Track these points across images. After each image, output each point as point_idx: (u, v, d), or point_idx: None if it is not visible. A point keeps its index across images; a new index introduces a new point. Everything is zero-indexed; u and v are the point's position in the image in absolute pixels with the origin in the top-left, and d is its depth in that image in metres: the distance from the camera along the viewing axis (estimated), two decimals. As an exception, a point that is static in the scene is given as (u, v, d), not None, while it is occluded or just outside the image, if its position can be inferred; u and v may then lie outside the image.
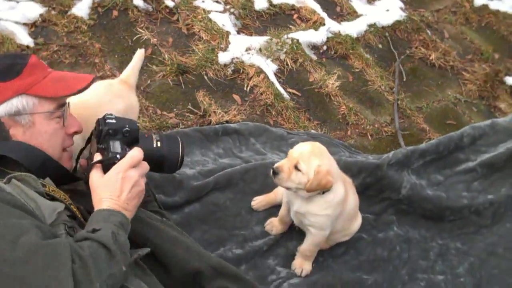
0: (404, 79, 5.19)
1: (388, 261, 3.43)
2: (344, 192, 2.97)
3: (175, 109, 3.95)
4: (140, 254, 2.04)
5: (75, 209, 2.06)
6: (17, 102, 2.04)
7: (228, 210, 3.33)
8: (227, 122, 3.95)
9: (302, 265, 3.17)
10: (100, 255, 1.73)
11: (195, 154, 3.58)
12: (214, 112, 3.98)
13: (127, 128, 2.17)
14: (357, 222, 3.30)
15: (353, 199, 3.13)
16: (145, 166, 2.11)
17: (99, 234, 1.79)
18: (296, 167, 2.78)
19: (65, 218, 1.95)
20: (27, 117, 2.06)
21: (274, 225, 3.29)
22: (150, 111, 3.86)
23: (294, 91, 4.52)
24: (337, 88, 4.68)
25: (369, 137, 4.45)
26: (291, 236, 3.32)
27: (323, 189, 2.83)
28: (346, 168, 3.43)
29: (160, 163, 2.30)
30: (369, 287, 3.26)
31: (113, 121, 2.18)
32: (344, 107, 4.56)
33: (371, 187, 3.61)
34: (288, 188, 2.89)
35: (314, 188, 2.78)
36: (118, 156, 2.07)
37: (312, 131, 4.18)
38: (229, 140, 3.77)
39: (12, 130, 2.06)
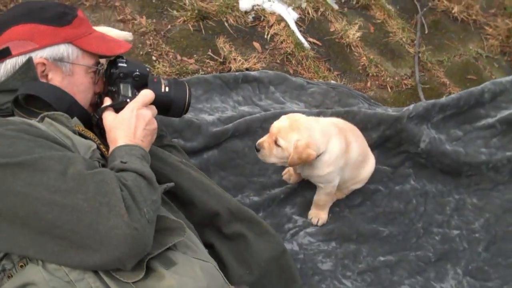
0: (426, 32, 5.12)
1: (404, 214, 3.44)
2: (340, 146, 2.96)
3: (195, 55, 3.92)
4: (166, 187, 2.07)
5: (104, 149, 2.08)
6: (64, 49, 2.11)
7: (247, 157, 3.33)
8: (247, 69, 3.92)
9: (318, 215, 3.19)
10: (140, 183, 1.78)
11: (214, 100, 3.57)
12: (234, 59, 3.95)
13: (137, 73, 2.23)
14: (369, 167, 3.28)
15: (356, 147, 3.11)
16: (155, 108, 2.19)
17: (131, 164, 1.84)
18: (276, 143, 2.79)
19: (98, 156, 1.97)
20: (68, 66, 2.13)
21: (291, 174, 3.30)
22: (170, 56, 3.83)
23: (314, 40, 4.48)
24: (358, 38, 4.63)
25: (389, 89, 4.41)
26: (308, 186, 3.32)
27: (306, 162, 2.84)
28: (365, 120, 3.44)
29: (167, 107, 2.35)
30: (384, 239, 3.28)
31: (124, 64, 2.25)
32: (364, 58, 4.52)
33: (390, 139, 3.58)
34: (273, 163, 2.91)
35: (296, 162, 2.80)
36: (128, 100, 2.13)
37: (332, 81, 4.15)
38: (249, 88, 3.74)
39: (52, 74, 2.11)
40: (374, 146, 3.50)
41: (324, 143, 2.88)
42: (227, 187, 3.11)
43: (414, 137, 3.58)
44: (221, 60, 3.93)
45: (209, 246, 2.35)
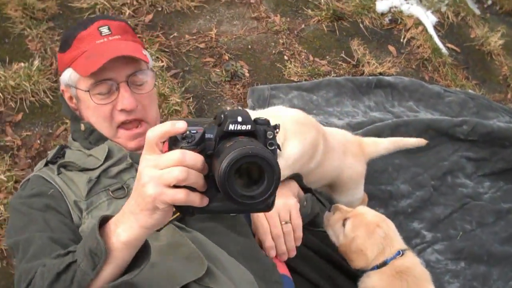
0: None
1: (541, 238, 3.23)
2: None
3: (327, 56, 3.85)
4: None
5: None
6: (67, 74, 2.03)
7: (375, 165, 3.21)
8: (380, 74, 3.80)
9: None
10: None
11: (345, 104, 3.48)
12: (368, 62, 3.84)
13: None
14: None
15: None
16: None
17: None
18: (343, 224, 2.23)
19: (107, 182, 1.87)
20: (74, 90, 2.05)
21: None
22: (303, 56, 3.78)
23: (453, 46, 4.29)
24: (500, 46, 4.41)
25: (531, 102, 4.17)
26: (437, 201, 3.18)
27: None
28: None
29: None
30: (517, 263, 3.09)
31: None
32: (506, 67, 4.31)
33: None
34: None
35: None
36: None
37: (470, 91, 3.95)
38: (382, 93, 3.62)
39: (74, 99, 2.09)
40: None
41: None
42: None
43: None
44: (354, 62, 3.84)
45: None
